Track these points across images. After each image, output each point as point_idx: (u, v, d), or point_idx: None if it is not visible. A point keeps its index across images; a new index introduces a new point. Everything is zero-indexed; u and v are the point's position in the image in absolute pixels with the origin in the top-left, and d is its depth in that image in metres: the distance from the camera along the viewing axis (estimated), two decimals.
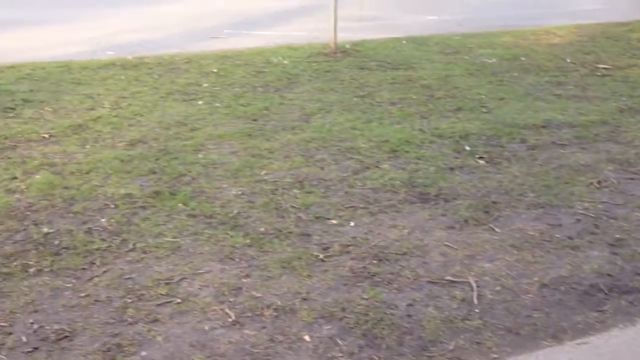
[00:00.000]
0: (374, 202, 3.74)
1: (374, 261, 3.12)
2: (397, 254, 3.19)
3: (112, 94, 5.75)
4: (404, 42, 8.13)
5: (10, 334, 2.52)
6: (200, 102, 5.55)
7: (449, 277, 2.97)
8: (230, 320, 2.63)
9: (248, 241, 3.26)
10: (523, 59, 7.33)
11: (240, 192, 3.82)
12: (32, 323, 2.58)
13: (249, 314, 2.67)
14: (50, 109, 5.28)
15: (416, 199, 3.78)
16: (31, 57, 7.48)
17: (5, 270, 2.94)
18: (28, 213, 3.50)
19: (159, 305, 2.72)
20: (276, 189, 3.87)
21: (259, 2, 12.64)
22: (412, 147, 4.56)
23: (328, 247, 3.22)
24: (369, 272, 3.00)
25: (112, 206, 3.61)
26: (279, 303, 2.74)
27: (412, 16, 10.63)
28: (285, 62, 7.00)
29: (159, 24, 10.03)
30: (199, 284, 2.89)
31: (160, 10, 11.34)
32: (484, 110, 5.44)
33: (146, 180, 3.96)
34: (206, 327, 2.59)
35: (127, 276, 2.94)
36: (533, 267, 3.07)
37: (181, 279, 2.93)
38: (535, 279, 2.97)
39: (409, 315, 2.69)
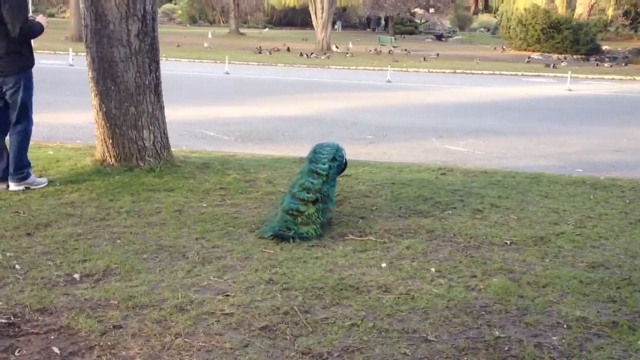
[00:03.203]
0: None
1: None
2: None
3: (577, 212, 5.64)
4: None
5: None
6: None
7: None
8: None
9: None
10: None
11: None
12: None
13: None
14: (515, 217, 5.43)
15: None
16: (503, 165, 7.93)
17: None
18: (483, 313, 3.60)
19: None
20: None
21: None
22: None
23: None
24: None
25: (565, 326, 3.47)
26: None
27: None
28: None
29: (635, 147, 9.61)
30: None
31: (637, 133, 10.88)
32: None
33: (604, 307, 3.71)
34: None
35: None
36: None
37: None
38: None
39: None
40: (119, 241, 4.58)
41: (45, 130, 9.03)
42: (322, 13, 33.14)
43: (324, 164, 5.22)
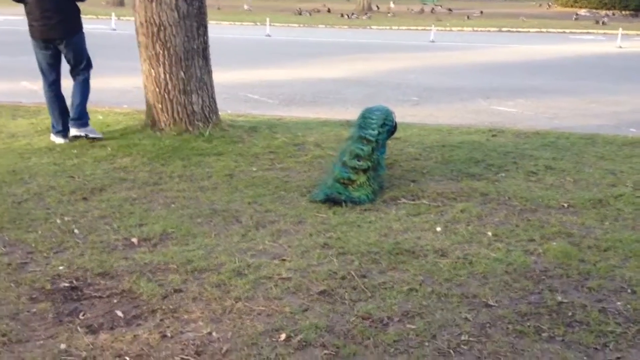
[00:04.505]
0: None
1: None
2: None
3: (635, 174, 5.48)
4: None
5: None
6: None
7: None
8: None
9: None
10: None
11: None
12: None
13: None
14: (570, 179, 5.30)
15: None
16: (554, 125, 7.74)
17: (519, 328, 3.01)
18: (543, 277, 3.53)
19: None
20: None
21: None
22: None
23: None
24: None
25: (629, 291, 3.38)
26: None
27: None
28: None
29: None
30: None
31: None
32: None
33: None
34: None
35: None
36: None
37: None
38: None
39: None
40: (173, 205, 4.62)
41: (93, 94, 9.07)
42: None
43: (373, 130, 5.14)
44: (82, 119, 6.32)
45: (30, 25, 6.07)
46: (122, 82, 10.54)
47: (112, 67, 12.01)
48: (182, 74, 6.28)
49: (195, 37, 6.29)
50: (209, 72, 6.55)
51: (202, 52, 6.39)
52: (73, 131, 6.26)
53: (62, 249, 3.84)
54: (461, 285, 3.43)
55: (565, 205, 4.69)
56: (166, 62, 6.24)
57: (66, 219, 4.30)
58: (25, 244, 3.90)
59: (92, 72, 6.54)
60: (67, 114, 6.31)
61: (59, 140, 6.17)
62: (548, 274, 3.57)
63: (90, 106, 7.71)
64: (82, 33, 6.30)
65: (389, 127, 5.39)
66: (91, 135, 6.27)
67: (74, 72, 6.33)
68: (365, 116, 5.39)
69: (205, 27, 6.43)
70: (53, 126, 6.30)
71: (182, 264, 3.64)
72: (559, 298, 3.29)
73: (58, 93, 6.29)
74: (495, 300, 3.26)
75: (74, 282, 3.43)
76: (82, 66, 6.31)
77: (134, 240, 3.98)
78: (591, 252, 3.86)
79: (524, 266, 3.66)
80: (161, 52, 6.21)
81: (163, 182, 5.13)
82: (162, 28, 6.16)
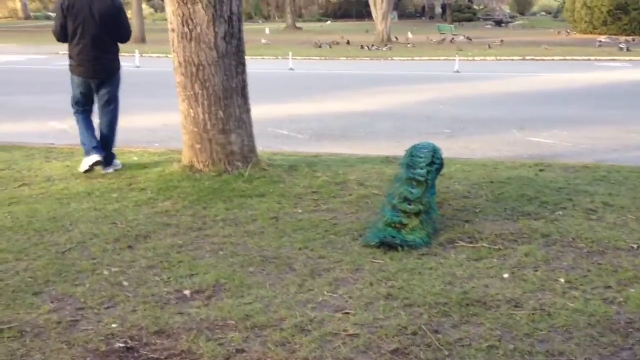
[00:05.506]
0: None
1: None
2: None
3: None
4: None
5: None
6: None
7: None
8: None
9: None
10: None
11: None
12: None
13: None
14: (633, 217, 5.04)
15: None
16: (596, 157, 7.52)
17: None
18: (630, 330, 3.27)
19: None
20: None
21: None
22: None
23: None
24: None
25: None
26: None
27: None
28: None
29: None
30: None
31: None
32: None
33: None
34: None
35: None
36: None
37: None
38: None
39: None
40: (221, 252, 4.42)
41: (122, 133, 8.99)
42: (382, 3, 32.64)
43: (422, 169, 4.94)
44: (112, 157, 6.73)
45: (76, 65, 6.34)
46: (150, 120, 10.47)
47: (139, 105, 11.96)
48: (221, 113, 6.14)
49: (234, 76, 6.16)
50: (248, 111, 6.40)
51: (240, 91, 6.25)
52: (108, 169, 6.64)
53: (112, 304, 3.64)
54: (544, 341, 3.18)
55: (635, 246, 4.43)
56: (205, 102, 6.09)
57: (113, 269, 4.11)
58: (74, 298, 3.71)
59: (122, 111, 6.84)
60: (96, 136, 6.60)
61: (92, 158, 6.36)
62: (634, 326, 3.31)
63: (123, 146, 7.64)
64: (120, 71, 6.63)
65: (437, 165, 5.19)
66: (116, 169, 6.68)
67: (105, 109, 6.58)
68: (412, 154, 5.20)
69: (244, 65, 6.30)
70: (84, 144, 6.49)
71: (240, 320, 3.42)
72: None
73: (89, 117, 6.59)
74: (584, 358, 3.01)
75: (129, 342, 3.22)
76: (114, 103, 6.61)
77: (186, 292, 3.78)
78: None
79: (606, 317, 3.40)
80: (200, 91, 6.07)
81: (207, 227, 4.94)
82: (200, 68, 6.03)
